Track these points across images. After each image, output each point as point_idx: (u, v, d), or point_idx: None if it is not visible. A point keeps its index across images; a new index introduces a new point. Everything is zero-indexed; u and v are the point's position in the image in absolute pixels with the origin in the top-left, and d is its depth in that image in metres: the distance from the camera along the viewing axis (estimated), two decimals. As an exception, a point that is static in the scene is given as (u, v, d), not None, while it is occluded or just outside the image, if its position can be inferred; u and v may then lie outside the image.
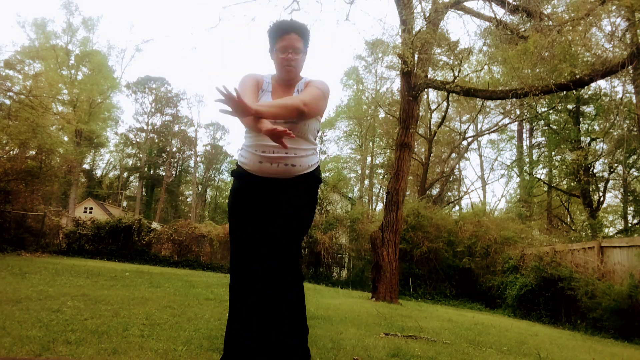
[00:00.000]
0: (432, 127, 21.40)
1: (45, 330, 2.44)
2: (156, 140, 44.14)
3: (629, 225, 17.67)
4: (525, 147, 23.79)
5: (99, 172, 45.09)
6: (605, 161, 18.15)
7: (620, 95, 13.87)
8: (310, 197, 2.06)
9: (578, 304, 7.70)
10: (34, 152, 15.06)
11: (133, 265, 12.95)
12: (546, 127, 20.72)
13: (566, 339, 5.49)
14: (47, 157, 15.72)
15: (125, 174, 46.31)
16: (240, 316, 1.93)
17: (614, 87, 14.36)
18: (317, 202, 2.20)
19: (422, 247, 12.68)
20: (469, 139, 24.04)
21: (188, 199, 47.38)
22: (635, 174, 17.68)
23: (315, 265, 14.79)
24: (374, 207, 26.27)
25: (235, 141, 55.47)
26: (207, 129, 47.29)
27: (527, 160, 22.93)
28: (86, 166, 39.84)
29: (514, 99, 9.87)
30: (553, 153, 20.92)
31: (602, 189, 18.12)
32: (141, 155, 42.95)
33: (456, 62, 10.24)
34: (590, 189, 17.74)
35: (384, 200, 10.67)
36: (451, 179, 25.67)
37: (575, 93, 16.42)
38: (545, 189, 21.92)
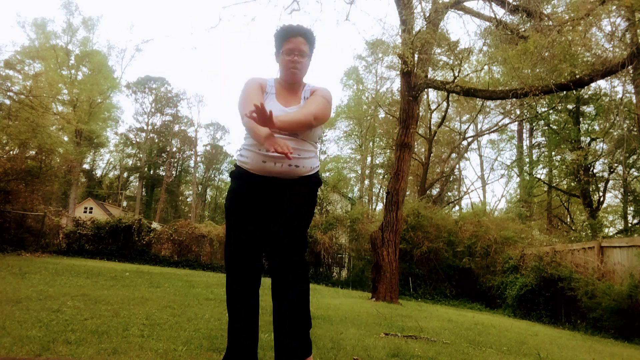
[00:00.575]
0: (432, 127, 21.41)
1: (45, 330, 2.43)
2: (156, 140, 44.16)
3: (629, 225, 17.66)
4: (525, 147, 23.79)
5: (99, 172, 45.18)
6: (605, 161, 18.15)
7: (620, 95, 13.87)
8: (310, 197, 2.07)
9: (578, 304, 7.69)
10: (34, 152, 15.04)
11: (133, 265, 12.95)
12: (546, 127, 20.72)
13: (566, 339, 5.49)
14: (47, 157, 15.70)
15: (125, 174, 46.32)
16: (241, 316, 1.93)
17: (614, 87, 14.39)
18: (316, 202, 2.20)
19: (422, 247, 12.68)
20: (469, 139, 24.06)
21: (188, 199, 47.41)
22: (635, 174, 17.68)
23: (315, 265, 14.78)
24: (374, 207, 26.30)
25: (235, 141, 55.48)
26: (207, 129, 47.44)
27: (527, 160, 22.92)
28: (86, 166, 39.89)
29: (514, 99, 9.87)
30: (553, 153, 20.92)
31: (602, 189, 18.12)
32: (141, 155, 42.97)
33: (456, 62, 10.25)
34: (590, 189, 17.74)
35: (384, 200, 10.66)
36: (451, 179, 25.67)
37: (575, 93, 16.42)
38: (545, 189, 21.91)
